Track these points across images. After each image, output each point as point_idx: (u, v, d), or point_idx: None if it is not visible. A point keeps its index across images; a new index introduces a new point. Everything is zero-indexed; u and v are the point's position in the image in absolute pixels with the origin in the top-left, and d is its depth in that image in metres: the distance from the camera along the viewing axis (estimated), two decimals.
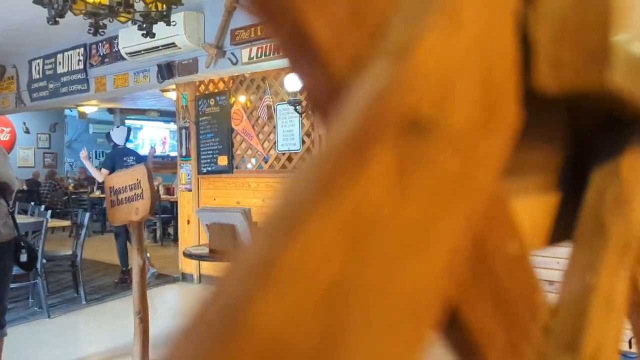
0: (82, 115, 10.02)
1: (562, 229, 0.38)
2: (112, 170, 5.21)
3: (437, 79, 0.19)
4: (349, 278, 0.15)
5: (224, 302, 0.13)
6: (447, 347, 0.25)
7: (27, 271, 3.83)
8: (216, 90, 5.69)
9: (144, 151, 11.01)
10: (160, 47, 5.32)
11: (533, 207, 0.36)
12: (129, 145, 6.47)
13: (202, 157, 5.81)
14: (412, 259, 0.17)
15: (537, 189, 0.37)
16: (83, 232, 5.10)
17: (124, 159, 5.81)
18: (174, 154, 9.44)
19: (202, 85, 5.78)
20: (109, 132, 6.37)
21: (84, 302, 5.04)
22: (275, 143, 5.26)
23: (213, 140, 5.72)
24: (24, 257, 3.30)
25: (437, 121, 0.18)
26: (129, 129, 6.87)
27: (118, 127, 7.04)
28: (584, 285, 0.33)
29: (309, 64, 0.18)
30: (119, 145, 6.08)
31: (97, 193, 8.92)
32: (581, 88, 0.22)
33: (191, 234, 5.90)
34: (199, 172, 5.85)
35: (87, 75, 6.60)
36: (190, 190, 5.98)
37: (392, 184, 0.16)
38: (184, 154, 6.04)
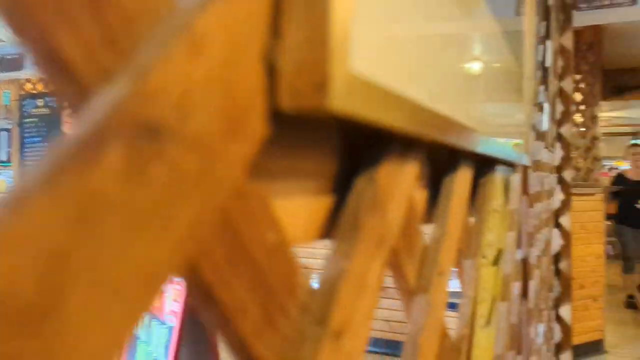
0: None
1: (335, 226, 0.46)
2: None
3: (173, 95, 0.23)
4: (73, 248, 0.19)
5: None
6: (203, 321, 0.30)
7: None
8: (46, 90, 5.22)
9: None
10: None
11: (304, 206, 0.43)
12: None
13: (28, 163, 5.27)
14: (141, 237, 0.22)
15: (309, 192, 0.44)
16: None
17: None
18: None
19: (29, 83, 5.26)
20: None
21: None
22: None
23: (41, 145, 5.23)
24: None
25: (172, 128, 0.23)
26: None
27: None
28: (337, 270, 0.40)
29: (56, 74, 0.21)
30: None
31: None
32: (311, 110, 0.29)
33: None
34: None
35: None
36: None
37: (121, 176, 0.21)
38: (4, 159, 5.42)
